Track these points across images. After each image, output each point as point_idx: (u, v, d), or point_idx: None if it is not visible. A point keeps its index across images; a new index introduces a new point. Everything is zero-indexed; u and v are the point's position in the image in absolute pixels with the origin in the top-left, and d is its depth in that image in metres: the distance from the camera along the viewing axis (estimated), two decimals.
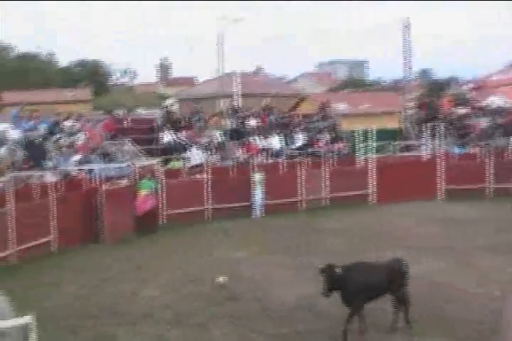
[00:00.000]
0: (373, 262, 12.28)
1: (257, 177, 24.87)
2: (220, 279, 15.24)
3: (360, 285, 11.45)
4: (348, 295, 11.45)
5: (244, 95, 37.12)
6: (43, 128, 25.81)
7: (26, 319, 6.26)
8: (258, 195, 24.79)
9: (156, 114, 36.21)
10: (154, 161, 25.00)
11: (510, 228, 21.01)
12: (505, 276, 15.65)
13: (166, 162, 26.91)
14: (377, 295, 11.86)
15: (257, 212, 24.73)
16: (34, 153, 23.37)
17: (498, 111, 34.31)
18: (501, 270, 16.37)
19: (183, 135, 29.10)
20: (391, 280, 11.84)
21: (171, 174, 24.94)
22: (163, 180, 23.43)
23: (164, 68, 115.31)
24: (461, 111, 34.40)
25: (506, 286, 14.39)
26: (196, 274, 16.58)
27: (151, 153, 27.58)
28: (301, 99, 44.62)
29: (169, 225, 22.99)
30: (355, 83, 71.01)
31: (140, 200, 21.89)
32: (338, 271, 11.32)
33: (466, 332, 12.26)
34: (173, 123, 30.26)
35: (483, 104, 37.51)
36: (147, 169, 23.59)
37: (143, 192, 21.99)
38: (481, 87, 49.32)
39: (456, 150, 29.60)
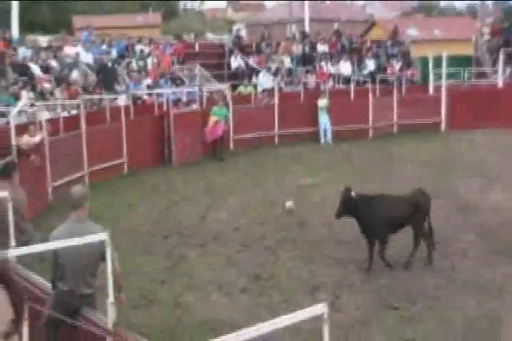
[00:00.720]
0: (395, 195, 12.08)
1: (321, 103, 24.58)
2: (288, 204, 15.26)
3: (378, 217, 11.42)
4: (366, 225, 11.51)
5: (313, 20, 36.56)
6: (114, 52, 25.94)
7: (103, 235, 6.34)
8: (323, 120, 24.56)
9: (225, 39, 35.93)
10: (224, 86, 24.91)
11: None
12: None
13: (235, 87, 26.83)
14: (398, 227, 11.75)
15: (325, 138, 24.53)
16: (106, 77, 23.51)
17: None
18: None
19: (252, 60, 28.89)
20: (412, 213, 11.66)
21: (240, 99, 24.89)
22: (232, 105, 23.31)
23: None
24: None
25: None
26: (265, 199, 16.72)
27: (220, 78, 27.53)
28: (373, 24, 43.62)
29: (238, 150, 23.12)
30: (428, 8, 68.93)
31: (211, 127, 21.85)
32: (354, 195, 11.34)
33: None
34: (242, 48, 30.04)
35: None
36: (219, 95, 23.53)
37: (214, 119, 21.93)
38: None
39: None
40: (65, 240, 6.31)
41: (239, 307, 10.22)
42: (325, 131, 24.54)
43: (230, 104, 23.03)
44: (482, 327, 9.54)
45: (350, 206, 11.37)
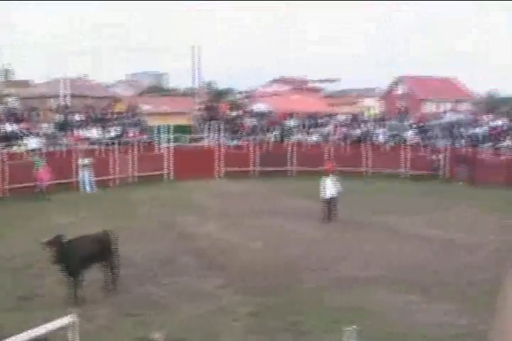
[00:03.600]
0: (89, 235, 11.18)
1: (85, 161, 24.07)
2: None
3: (79, 256, 10.53)
4: (71, 265, 10.44)
5: (71, 96, 35.92)
6: None
7: None
8: (84, 174, 24.03)
9: None
10: None
11: (270, 198, 22.08)
12: (266, 232, 16.49)
13: (7, 147, 25.40)
14: (93, 262, 10.93)
15: (87, 187, 23.94)
16: None
17: (262, 115, 35.68)
18: (262, 226, 17.23)
19: (21, 126, 27.63)
20: (102, 250, 10.96)
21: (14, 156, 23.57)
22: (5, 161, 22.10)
23: (6, 71, 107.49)
24: (235, 113, 35.45)
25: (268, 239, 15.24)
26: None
27: None
28: (116, 100, 43.78)
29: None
30: (158, 89, 70.32)
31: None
32: (65, 242, 10.42)
33: (236, 272, 12.79)
34: (13, 116, 28.72)
35: (252, 108, 38.88)
36: None
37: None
38: (251, 96, 50.99)
39: (231, 142, 30.33)
40: None
41: None
42: (84, 183, 23.95)
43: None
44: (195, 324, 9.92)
45: (63, 250, 10.33)
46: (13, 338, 4.53)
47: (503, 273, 11.03)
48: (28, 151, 24.95)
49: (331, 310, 10.52)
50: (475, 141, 29.51)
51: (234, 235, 16.13)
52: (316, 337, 9.38)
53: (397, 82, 54.85)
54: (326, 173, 18.87)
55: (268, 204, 21.04)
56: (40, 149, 24.79)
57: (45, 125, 28.06)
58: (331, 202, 17.87)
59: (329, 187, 17.82)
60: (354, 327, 6.29)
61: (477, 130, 31.08)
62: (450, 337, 9.51)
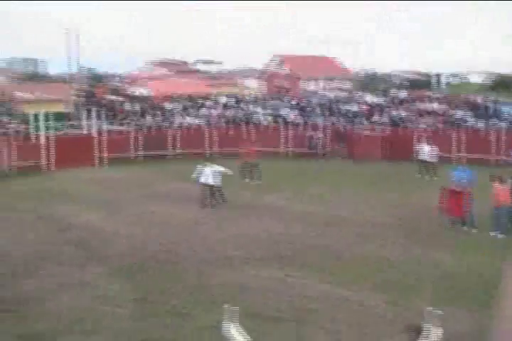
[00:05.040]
0: None
1: None
2: None
3: None
4: None
5: None
6: None
7: None
8: None
9: None
10: None
11: (152, 183, 21.88)
12: (146, 218, 16.41)
13: None
14: None
15: None
16: None
17: (142, 99, 35.22)
18: (143, 212, 17.13)
19: None
20: None
21: None
22: None
23: None
24: (112, 97, 34.75)
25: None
26: None
27: None
28: None
29: None
30: (34, 76, 67.43)
31: None
32: None
33: (116, 260, 12.74)
34: None
35: (132, 93, 38.24)
36: None
37: None
38: (132, 80, 50.12)
39: (111, 127, 29.32)
40: None
41: None
42: None
43: None
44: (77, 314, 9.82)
45: None
46: None
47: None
48: None
49: (209, 290, 10.74)
50: (352, 118, 30.64)
51: (114, 223, 15.96)
52: (199, 319, 9.53)
53: (275, 61, 55.67)
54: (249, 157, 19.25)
55: (149, 189, 20.89)
56: None
57: None
58: (211, 190, 17.84)
59: (207, 175, 17.72)
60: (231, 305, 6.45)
61: (354, 107, 32.30)
62: (328, 307, 10.00)
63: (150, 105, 33.48)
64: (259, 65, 58.21)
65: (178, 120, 31.07)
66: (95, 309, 10.00)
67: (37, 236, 14.51)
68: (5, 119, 28.71)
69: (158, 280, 11.39)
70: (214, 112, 32.40)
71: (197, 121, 31.11)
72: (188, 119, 31.30)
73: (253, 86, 49.04)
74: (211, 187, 17.76)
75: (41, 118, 26.78)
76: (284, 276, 11.52)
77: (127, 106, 32.57)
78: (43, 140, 26.18)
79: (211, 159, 19.28)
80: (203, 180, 17.78)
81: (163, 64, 62.61)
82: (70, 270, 12.03)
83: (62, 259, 12.77)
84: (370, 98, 34.47)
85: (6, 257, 12.80)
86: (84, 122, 29.18)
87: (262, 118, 31.70)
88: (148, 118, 31.13)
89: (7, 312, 9.90)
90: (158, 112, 32.05)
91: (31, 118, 27.73)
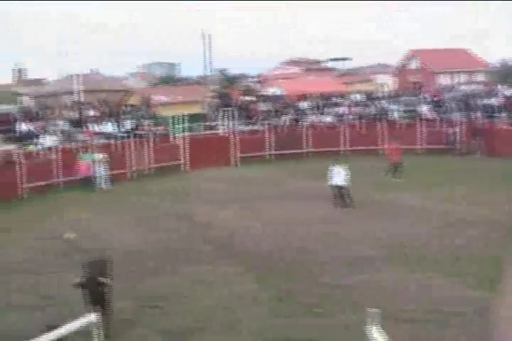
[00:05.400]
0: None
1: (99, 156, 23.61)
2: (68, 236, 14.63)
3: None
4: None
5: (84, 91, 35.99)
6: None
7: None
8: (101, 170, 23.42)
9: (10, 108, 34.05)
10: (11, 146, 23.74)
11: (282, 183, 22.00)
12: (281, 216, 16.52)
13: (24, 146, 25.51)
14: None
15: (102, 183, 23.30)
16: None
17: (275, 98, 35.52)
18: (278, 211, 17.27)
19: (35, 125, 27.78)
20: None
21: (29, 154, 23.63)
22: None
23: (20, 71, 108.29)
24: (247, 98, 35.32)
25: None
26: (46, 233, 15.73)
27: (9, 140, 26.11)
28: (129, 93, 43.76)
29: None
30: (170, 79, 70.28)
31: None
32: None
33: (252, 258, 12.91)
34: (27, 116, 28.93)
35: (265, 93, 38.71)
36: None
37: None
38: (264, 80, 50.72)
39: (245, 128, 30.01)
40: None
41: None
42: (101, 178, 23.45)
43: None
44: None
45: None
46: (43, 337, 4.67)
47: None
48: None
49: (345, 290, 10.61)
50: (490, 112, 29.09)
51: (250, 221, 16.22)
52: (336, 319, 9.45)
53: (409, 57, 54.05)
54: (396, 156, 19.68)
55: (281, 187, 21.14)
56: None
57: (60, 122, 28.22)
58: (341, 190, 17.65)
59: (336, 175, 17.57)
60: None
61: (492, 100, 30.64)
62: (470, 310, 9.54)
63: (283, 104, 33.70)
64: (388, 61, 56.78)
65: (310, 118, 31.10)
66: (232, 307, 10.18)
67: (174, 235, 15.04)
68: (145, 122, 30.09)
69: (293, 279, 11.40)
70: (347, 110, 32.08)
71: (329, 119, 30.97)
72: (321, 117, 31.23)
73: (386, 82, 47.85)
74: (340, 188, 17.59)
75: (179, 120, 27.92)
76: (424, 278, 11.14)
77: (261, 106, 33.03)
78: (180, 141, 27.24)
79: (340, 159, 19.08)
80: (332, 181, 17.70)
81: (295, 63, 62.91)
82: (208, 268, 12.35)
83: (200, 257, 13.15)
84: (508, 91, 32.52)
85: (143, 255, 13.35)
86: (219, 123, 30.01)
87: (396, 114, 30.95)
88: (283, 117, 31.36)
89: (155, 308, 10.27)
90: (292, 111, 32.23)
91: (170, 120, 28.99)
